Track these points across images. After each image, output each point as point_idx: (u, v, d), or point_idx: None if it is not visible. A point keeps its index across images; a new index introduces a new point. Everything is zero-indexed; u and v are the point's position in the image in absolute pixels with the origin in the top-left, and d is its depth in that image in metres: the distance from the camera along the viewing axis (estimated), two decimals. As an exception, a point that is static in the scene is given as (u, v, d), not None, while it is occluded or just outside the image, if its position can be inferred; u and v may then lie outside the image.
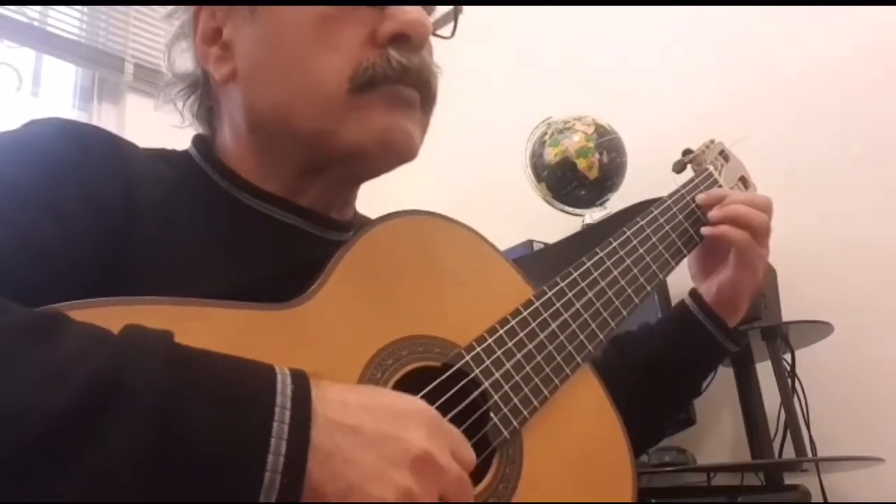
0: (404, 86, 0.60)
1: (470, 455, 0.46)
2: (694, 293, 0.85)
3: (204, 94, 0.68)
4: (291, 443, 0.37)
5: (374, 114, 0.59)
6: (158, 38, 2.03)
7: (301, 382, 0.40)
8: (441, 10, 0.68)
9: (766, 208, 0.83)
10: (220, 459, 0.36)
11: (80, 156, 0.55)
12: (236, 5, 0.62)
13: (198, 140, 0.68)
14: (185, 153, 0.68)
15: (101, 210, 0.53)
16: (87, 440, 0.34)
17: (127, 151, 0.60)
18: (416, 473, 0.41)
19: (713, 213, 0.81)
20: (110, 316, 0.40)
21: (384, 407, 0.43)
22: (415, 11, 0.60)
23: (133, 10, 2.02)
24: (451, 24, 0.70)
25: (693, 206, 0.83)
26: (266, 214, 0.63)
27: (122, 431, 0.34)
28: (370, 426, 0.41)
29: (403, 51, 0.60)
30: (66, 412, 0.34)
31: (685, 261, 0.84)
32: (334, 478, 0.38)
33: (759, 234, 0.81)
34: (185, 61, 0.68)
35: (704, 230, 0.81)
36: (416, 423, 0.43)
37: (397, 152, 0.61)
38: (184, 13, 0.66)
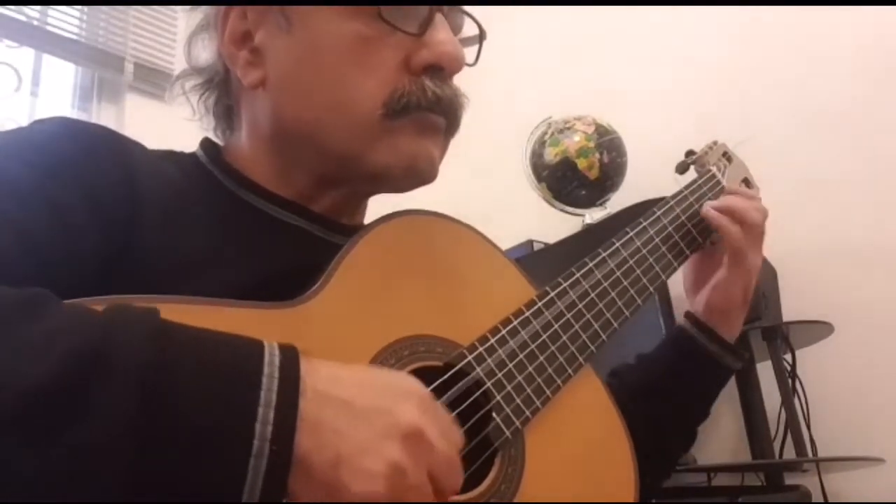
0: (434, 114, 0.61)
1: (458, 438, 0.46)
2: (688, 314, 0.82)
3: (223, 92, 0.68)
4: (279, 411, 0.37)
5: (403, 139, 0.60)
6: (158, 37, 2.03)
7: (289, 353, 0.40)
8: (464, 30, 0.68)
9: (763, 211, 0.82)
10: (208, 429, 0.36)
11: (82, 154, 0.55)
12: (262, 5, 0.62)
13: (206, 143, 0.69)
14: (192, 155, 0.68)
15: (101, 205, 0.53)
16: (70, 410, 0.33)
17: (132, 151, 0.60)
18: (406, 448, 0.40)
19: (710, 205, 0.80)
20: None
21: (376, 382, 0.43)
22: (450, 43, 0.61)
23: (133, 9, 2.01)
24: (474, 49, 0.70)
25: (696, 206, 0.83)
26: (273, 216, 0.63)
27: (105, 402, 0.34)
28: (360, 400, 0.41)
29: (436, 80, 0.61)
30: (49, 383, 0.34)
31: (680, 274, 0.83)
32: (322, 448, 0.38)
33: (754, 232, 0.79)
34: (205, 56, 0.68)
35: (703, 210, 0.80)
36: (407, 400, 0.43)
37: (421, 177, 0.63)
38: (209, 7, 0.66)
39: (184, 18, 1.99)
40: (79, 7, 1.96)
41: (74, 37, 1.94)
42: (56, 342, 0.35)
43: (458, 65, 0.62)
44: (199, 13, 0.67)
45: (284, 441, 0.37)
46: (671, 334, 0.83)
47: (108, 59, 1.96)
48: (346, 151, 0.61)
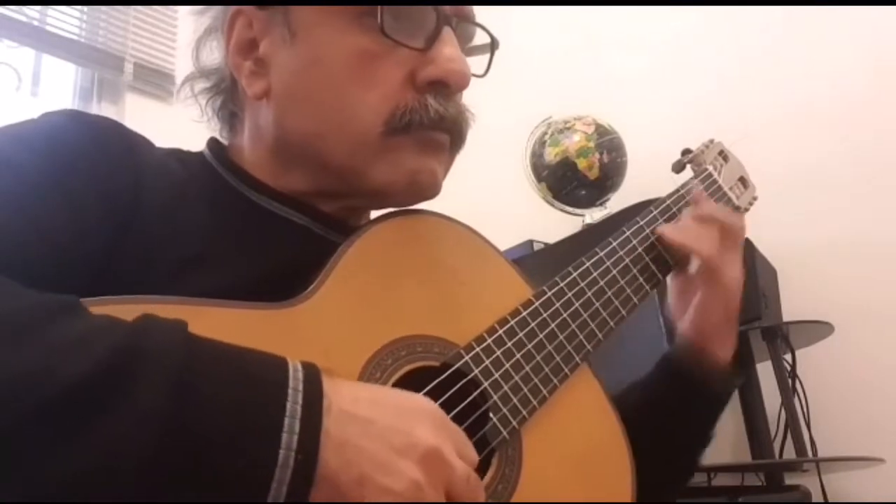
0: (438, 131, 0.60)
1: (472, 454, 0.47)
2: (677, 337, 0.77)
3: (229, 96, 0.68)
4: (304, 422, 0.38)
5: (404, 156, 0.59)
6: (158, 37, 2.03)
7: (311, 369, 0.41)
8: (476, 38, 0.67)
9: (731, 220, 0.77)
10: (235, 434, 0.37)
11: (92, 145, 0.55)
12: (268, 5, 0.61)
13: (212, 142, 0.69)
14: (199, 154, 0.68)
15: (112, 204, 0.54)
16: (104, 405, 0.34)
17: (139, 145, 0.60)
18: (425, 467, 0.42)
19: (675, 223, 0.76)
20: (111, 314, 0.40)
21: (393, 403, 0.44)
22: (456, 60, 0.59)
23: (133, 9, 2.01)
24: (482, 59, 0.69)
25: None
26: (277, 214, 0.63)
27: (139, 396, 0.35)
28: (380, 419, 0.42)
29: (441, 98, 0.60)
30: (86, 377, 0.35)
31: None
32: (348, 467, 0.39)
33: (727, 242, 0.75)
34: (213, 59, 0.68)
35: (660, 229, 0.76)
36: (423, 420, 0.44)
37: (423, 193, 0.62)
38: (217, 12, 0.66)
39: (184, 19, 1.99)
40: (79, 7, 1.95)
41: (74, 37, 1.93)
42: (94, 341, 0.37)
43: (464, 82, 0.60)
44: (207, 17, 0.67)
45: (309, 451, 0.38)
46: (659, 360, 0.78)
47: (108, 59, 1.96)
48: (347, 167, 0.60)
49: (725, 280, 0.74)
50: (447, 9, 0.61)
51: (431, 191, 0.63)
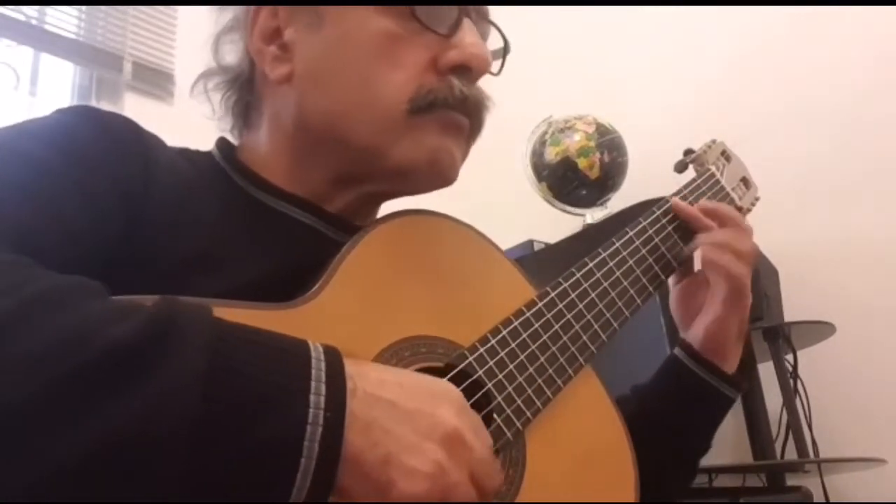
0: (459, 113, 0.62)
1: (488, 439, 0.48)
2: (682, 342, 0.77)
3: (246, 89, 0.68)
4: (329, 384, 0.40)
5: (426, 135, 0.61)
6: (157, 36, 2.03)
7: (329, 347, 0.43)
8: (489, 42, 0.69)
9: (749, 229, 0.78)
10: (266, 397, 0.38)
11: (106, 141, 0.56)
12: (297, 5, 0.63)
13: (221, 142, 0.69)
14: (207, 153, 0.68)
15: (124, 193, 0.54)
16: (149, 364, 0.36)
17: (151, 143, 0.61)
18: (447, 448, 0.43)
19: (700, 244, 0.76)
20: None
21: (416, 385, 0.46)
22: (478, 45, 0.62)
23: (132, 9, 2.00)
24: (499, 62, 0.71)
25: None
26: (284, 213, 0.63)
27: (178, 359, 0.36)
28: (403, 402, 0.43)
29: (464, 80, 0.61)
30: (124, 341, 0.36)
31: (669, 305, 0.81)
32: (374, 447, 0.40)
33: (749, 259, 0.75)
34: (230, 55, 0.68)
35: (695, 256, 0.75)
36: (445, 402, 0.45)
37: (442, 173, 0.63)
38: (239, 8, 0.67)
39: (184, 18, 1.99)
40: (77, 6, 1.95)
41: (73, 36, 1.93)
42: (131, 312, 0.38)
43: (486, 66, 0.62)
44: (228, 13, 0.67)
45: (337, 408, 0.39)
46: (665, 364, 0.78)
47: (107, 58, 1.95)
48: (370, 146, 0.61)
49: (746, 300, 0.75)
50: (468, 7, 0.63)
51: (450, 173, 0.63)
